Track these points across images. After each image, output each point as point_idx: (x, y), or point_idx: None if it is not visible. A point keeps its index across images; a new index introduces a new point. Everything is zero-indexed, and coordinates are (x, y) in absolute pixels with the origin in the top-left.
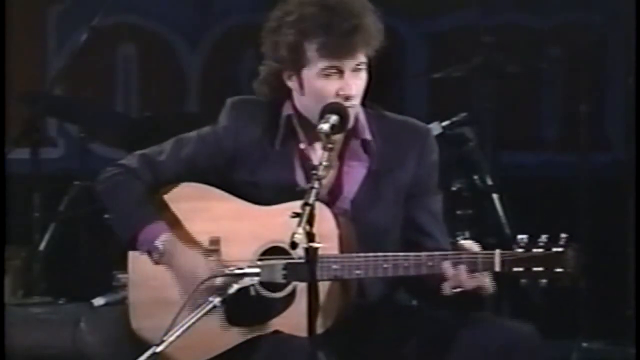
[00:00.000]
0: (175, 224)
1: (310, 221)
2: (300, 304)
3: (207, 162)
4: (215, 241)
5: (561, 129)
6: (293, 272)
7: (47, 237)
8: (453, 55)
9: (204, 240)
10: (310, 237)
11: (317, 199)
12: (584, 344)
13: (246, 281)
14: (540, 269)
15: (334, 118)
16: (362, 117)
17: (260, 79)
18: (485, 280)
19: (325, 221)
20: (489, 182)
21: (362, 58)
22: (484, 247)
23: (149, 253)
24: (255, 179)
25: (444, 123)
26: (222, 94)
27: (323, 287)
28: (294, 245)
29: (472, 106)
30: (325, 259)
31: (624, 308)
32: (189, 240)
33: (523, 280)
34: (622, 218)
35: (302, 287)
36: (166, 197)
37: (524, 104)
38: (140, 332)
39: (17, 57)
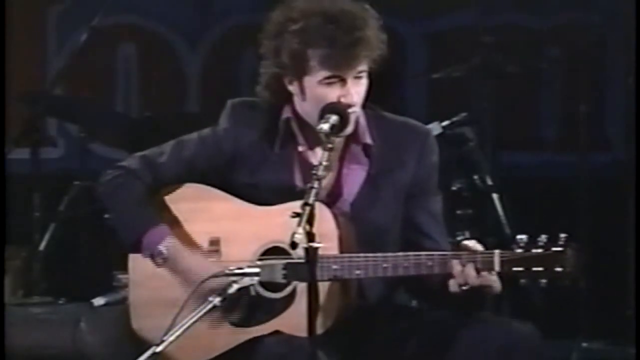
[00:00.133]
0: (175, 225)
1: (310, 221)
2: (300, 304)
3: (207, 163)
4: (215, 241)
5: (561, 129)
6: (293, 272)
7: (47, 237)
8: (453, 55)
9: (204, 240)
10: (310, 237)
11: (317, 199)
12: (584, 344)
13: (246, 281)
14: (539, 268)
15: (334, 118)
16: (363, 121)
17: (262, 84)
18: (493, 279)
19: (325, 221)
20: (489, 182)
21: (364, 67)
22: (486, 247)
23: (152, 257)
24: (255, 180)
25: (444, 123)
26: (222, 94)
27: (323, 287)
28: (294, 245)
29: (472, 106)
30: (325, 259)
31: (624, 308)
32: (190, 241)
33: (523, 280)
34: (622, 218)
35: (301, 287)
36: (167, 198)
37: (523, 104)
38: (141, 332)
39: (17, 57)
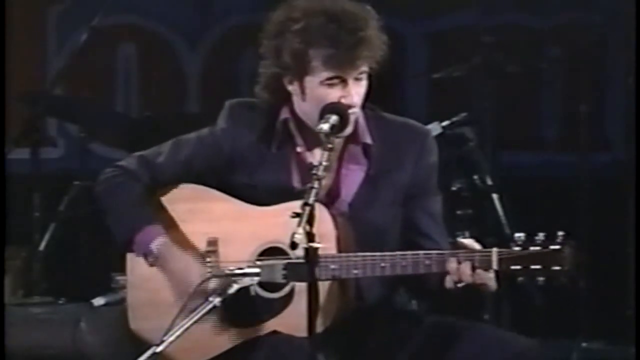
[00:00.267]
0: (173, 225)
1: (310, 221)
2: (299, 304)
3: (205, 164)
4: (213, 242)
5: (561, 129)
6: (293, 272)
7: (47, 237)
8: (453, 55)
9: (202, 241)
10: (310, 237)
11: (316, 200)
12: (584, 344)
13: (246, 281)
14: (537, 267)
15: (334, 118)
16: (362, 121)
17: (261, 85)
18: (488, 277)
19: (324, 222)
20: (489, 182)
21: (365, 68)
22: (484, 245)
23: (145, 256)
24: (253, 181)
25: (444, 123)
26: (222, 94)
27: (321, 287)
28: (294, 245)
29: (472, 106)
30: (322, 259)
31: (624, 308)
32: (186, 242)
33: (520, 279)
34: (622, 218)
35: (300, 287)
36: (164, 198)
37: (524, 104)
38: (139, 333)
39: (17, 57)
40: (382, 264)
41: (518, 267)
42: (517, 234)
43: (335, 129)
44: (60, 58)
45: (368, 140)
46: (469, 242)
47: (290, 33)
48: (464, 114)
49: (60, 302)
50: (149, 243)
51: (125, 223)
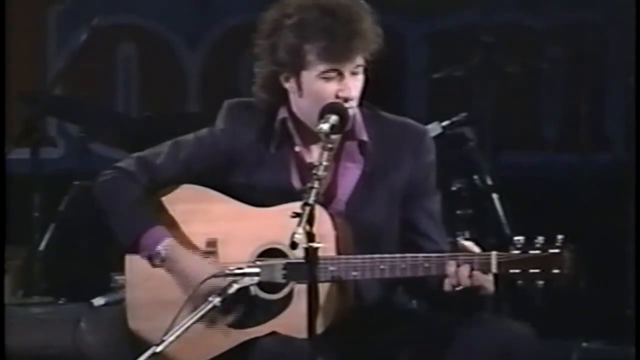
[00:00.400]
0: (172, 226)
1: (310, 221)
2: (298, 305)
3: (204, 164)
4: (212, 243)
5: (561, 129)
6: (293, 272)
7: (47, 237)
8: (453, 54)
9: (202, 242)
10: (310, 237)
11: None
12: (584, 344)
13: (246, 281)
14: (536, 270)
15: (333, 118)
16: (359, 118)
17: (258, 84)
18: (488, 279)
19: (322, 222)
20: (489, 182)
21: (360, 61)
22: (484, 248)
23: (150, 258)
24: (252, 181)
25: (444, 123)
26: (222, 94)
27: (321, 288)
28: (294, 245)
29: (472, 106)
30: (322, 261)
31: (624, 308)
32: (187, 242)
33: (520, 282)
34: (622, 218)
35: (299, 288)
36: (164, 199)
37: (524, 104)
38: (138, 333)
39: (17, 57)
40: (382, 267)
41: (517, 270)
42: (516, 238)
43: (336, 129)
44: (60, 58)
45: (364, 137)
46: (469, 244)
47: (284, 29)
48: (464, 114)
49: (60, 302)
50: (155, 245)
51: (128, 225)
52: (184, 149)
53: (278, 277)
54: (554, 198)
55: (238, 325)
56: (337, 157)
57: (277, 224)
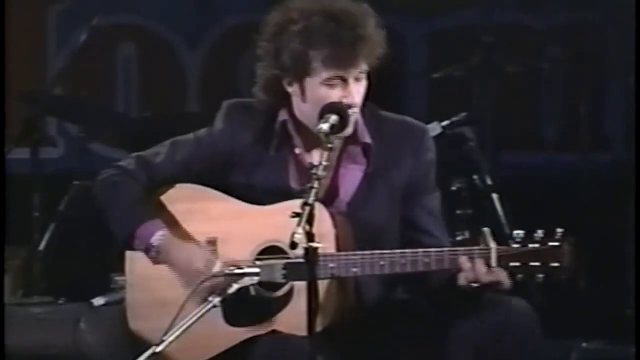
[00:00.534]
0: (172, 225)
1: (310, 221)
2: (298, 304)
3: (203, 164)
4: (212, 242)
5: (561, 129)
6: (293, 271)
7: (47, 237)
8: (453, 55)
9: (202, 241)
10: (310, 237)
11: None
12: (584, 344)
13: (246, 281)
14: (536, 264)
15: (333, 118)
16: (361, 121)
17: (259, 86)
18: (502, 276)
19: (323, 222)
20: (489, 182)
21: (364, 67)
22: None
23: (146, 251)
24: (250, 182)
25: (444, 123)
26: (222, 94)
27: (321, 286)
28: (294, 245)
29: (472, 106)
30: (322, 258)
31: (624, 308)
32: (187, 240)
33: (520, 276)
34: (622, 218)
35: (299, 287)
36: (163, 198)
37: (524, 104)
38: (138, 333)
39: (17, 57)
40: (382, 263)
41: (517, 264)
42: (516, 232)
43: (335, 129)
44: (60, 58)
45: (368, 140)
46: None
47: (289, 34)
48: (464, 114)
49: (60, 302)
50: (149, 237)
51: (124, 221)
52: (184, 149)
53: (278, 276)
54: (554, 198)
55: (238, 323)
56: (339, 159)
57: (277, 222)
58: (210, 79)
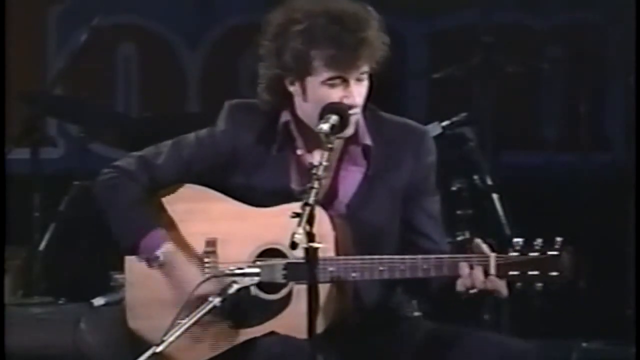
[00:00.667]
0: (172, 226)
1: (310, 221)
2: (297, 305)
3: (204, 165)
4: (212, 242)
5: (561, 129)
6: (293, 272)
7: (47, 237)
8: (453, 55)
9: (201, 241)
10: (310, 237)
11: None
12: (584, 344)
13: (246, 281)
14: (535, 272)
15: (334, 118)
16: (362, 122)
17: (262, 86)
18: (500, 283)
19: (322, 223)
20: (489, 182)
21: (366, 68)
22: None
23: (148, 261)
24: (252, 183)
25: (444, 123)
26: (222, 94)
27: (321, 288)
28: (294, 245)
29: (472, 106)
30: (321, 262)
31: (624, 308)
32: (186, 242)
33: (519, 284)
34: (622, 218)
35: (298, 288)
36: (163, 199)
37: (524, 104)
38: (138, 332)
39: (17, 57)
40: (381, 268)
41: (516, 272)
42: (515, 240)
43: (336, 129)
44: (60, 58)
45: (368, 141)
46: (485, 246)
47: (291, 34)
48: (464, 114)
49: (60, 302)
50: (154, 249)
51: (127, 226)
52: (184, 149)
53: (278, 277)
54: (554, 198)
55: (238, 325)
56: (339, 160)
57: (277, 223)
58: (210, 79)
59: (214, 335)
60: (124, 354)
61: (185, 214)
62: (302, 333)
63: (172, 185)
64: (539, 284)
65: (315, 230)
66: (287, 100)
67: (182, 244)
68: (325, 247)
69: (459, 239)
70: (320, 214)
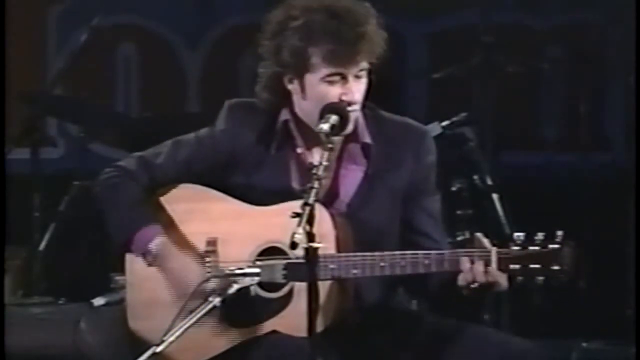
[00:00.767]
0: (172, 225)
1: (310, 221)
2: (298, 304)
3: (204, 164)
4: (212, 242)
5: (561, 129)
6: (293, 272)
7: (47, 237)
8: (453, 55)
9: (201, 241)
10: (310, 237)
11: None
12: (584, 344)
13: (246, 281)
14: (536, 266)
15: (334, 118)
16: (362, 120)
17: (261, 85)
18: (500, 277)
19: (323, 222)
20: (489, 182)
21: (364, 65)
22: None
23: (143, 255)
24: (252, 182)
25: (444, 123)
26: (222, 94)
27: (321, 287)
28: (294, 245)
29: (472, 106)
30: (322, 259)
31: (624, 308)
32: (186, 242)
33: (520, 278)
34: (622, 218)
35: (299, 287)
36: (163, 198)
37: (524, 104)
38: (138, 332)
39: (17, 57)
40: (382, 264)
41: (517, 266)
42: (516, 234)
43: (336, 129)
44: (60, 58)
45: (367, 139)
46: (486, 240)
47: (289, 31)
48: (464, 114)
49: (60, 302)
50: (147, 243)
51: (123, 223)
52: (185, 148)
53: (278, 277)
54: (554, 198)
55: (238, 324)
56: (339, 159)
57: (277, 223)
58: (210, 79)
59: (215, 335)
60: (124, 354)
61: (185, 214)
62: (302, 332)
63: (172, 185)
64: (540, 278)
65: (316, 229)
66: (286, 99)
67: (183, 244)
68: (326, 246)
69: (459, 239)
70: (321, 212)
